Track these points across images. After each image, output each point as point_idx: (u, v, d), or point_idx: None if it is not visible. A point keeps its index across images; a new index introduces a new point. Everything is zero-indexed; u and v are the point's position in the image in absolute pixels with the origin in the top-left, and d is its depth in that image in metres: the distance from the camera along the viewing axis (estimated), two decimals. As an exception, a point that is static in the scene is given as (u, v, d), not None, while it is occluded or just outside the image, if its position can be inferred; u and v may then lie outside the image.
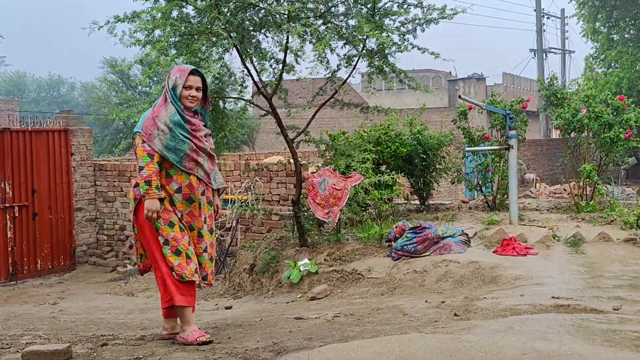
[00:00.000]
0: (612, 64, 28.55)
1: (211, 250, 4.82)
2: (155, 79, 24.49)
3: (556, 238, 7.48)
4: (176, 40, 7.20)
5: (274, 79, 8.02)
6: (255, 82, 8.00)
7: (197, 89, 4.67)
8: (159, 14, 6.92)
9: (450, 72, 35.34)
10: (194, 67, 4.78)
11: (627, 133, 9.97)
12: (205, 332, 4.54)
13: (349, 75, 8.23)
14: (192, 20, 7.25)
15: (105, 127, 27.43)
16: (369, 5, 7.60)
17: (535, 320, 4.13)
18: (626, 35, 27.98)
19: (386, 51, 7.81)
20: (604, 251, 6.79)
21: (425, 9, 7.79)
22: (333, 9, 7.66)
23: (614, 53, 27.84)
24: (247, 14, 7.35)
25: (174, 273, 4.50)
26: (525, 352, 3.29)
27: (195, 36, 7.10)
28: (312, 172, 8.45)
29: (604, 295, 5.06)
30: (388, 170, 9.57)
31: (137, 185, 4.57)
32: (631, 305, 4.70)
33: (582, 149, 10.81)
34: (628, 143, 10.22)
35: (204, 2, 7.06)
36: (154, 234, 4.55)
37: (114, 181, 13.11)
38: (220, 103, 8.03)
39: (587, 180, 10.10)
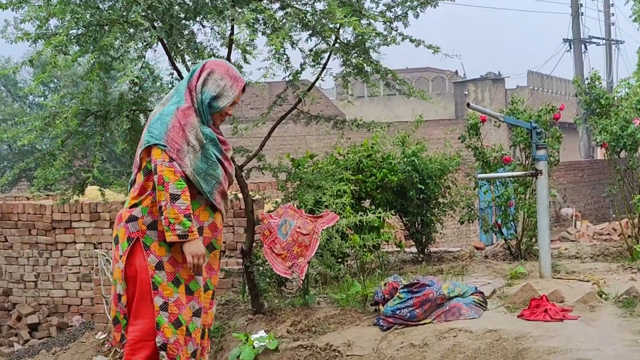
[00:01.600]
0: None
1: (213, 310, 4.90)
2: (52, 85, 24.34)
3: (604, 296, 7.54)
4: (79, 32, 7.16)
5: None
6: (189, 89, 8.03)
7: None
8: (55, -1, 6.93)
9: (456, 72, 35.78)
10: (246, 80, 4.96)
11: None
12: None
13: (318, 78, 8.24)
14: (100, 6, 7.25)
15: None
16: (343, -18, 7.68)
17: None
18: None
19: (367, 44, 7.86)
20: (670, 313, 6.84)
21: (420, -14, 7.91)
22: (294, -14, 7.73)
23: (675, 43, 28.52)
24: (177, -3, 7.38)
25: (163, 354, 4.43)
26: None
27: (106, 27, 7.09)
28: (270, 211, 8.43)
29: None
30: (373, 207, 9.60)
31: (132, 219, 4.49)
32: None
33: (636, 173, 10.98)
34: (700, 164, 10.43)
35: (115, -18, 7.10)
36: (150, 293, 4.46)
37: (-6, 228, 13.01)
38: (142, 117, 8.01)
39: (646, 215, 10.27)
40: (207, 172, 4.45)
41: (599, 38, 39.14)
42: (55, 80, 21.54)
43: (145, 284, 4.43)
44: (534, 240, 9.97)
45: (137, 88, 7.90)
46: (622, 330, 6.48)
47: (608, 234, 16.79)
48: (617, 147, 10.58)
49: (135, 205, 4.55)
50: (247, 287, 8.39)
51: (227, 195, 4.67)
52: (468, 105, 10.03)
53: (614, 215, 16.20)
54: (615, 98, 11.50)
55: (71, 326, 12.49)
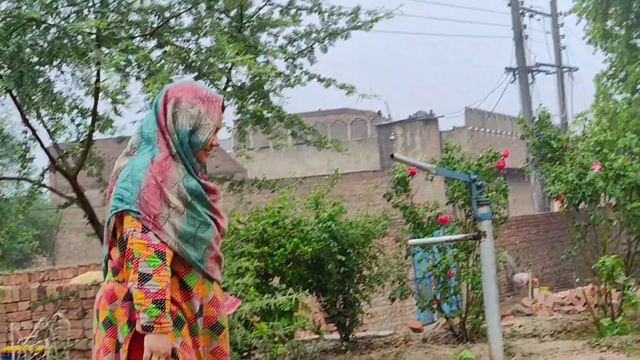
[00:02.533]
0: (639, 85, 29.95)
1: None
2: None
3: (567, 382, 7.65)
4: None
5: (77, 142, 7.95)
6: (46, 150, 7.93)
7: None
8: None
9: (379, 113, 36.17)
10: (221, 97, 4.55)
11: (669, 200, 10.42)
12: None
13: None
14: None
15: None
16: (232, 13, 7.70)
17: None
18: (656, 40, 29.58)
19: (267, 86, 7.89)
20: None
21: (326, 15, 7.97)
22: (173, 20, 7.71)
23: (639, 68, 29.26)
24: (28, 38, 7.29)
25: None
26: None
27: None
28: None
29: None
30: (284, 286, 9.60)
31: (131, 298, 4.12)
32: None
33: (599, 229, 11.18)
34: (673, 217, 10.67)
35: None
36: None
37: None
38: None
39: (611, 281, 10.41)
40: (196, 236, 4.22)
41: (548, 65, 39.84)
42: None
43: None
44: (481, 317, 9.92)
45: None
46: None
47: (571, 303, 17.00)
48: (575, 199, 10.74)
49: (122, 282, 4.29)
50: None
51: (221, 259, 4.45)
52: (392, 156, 10.05)
53: (577, 280, 16.44)
54: (570, 139, 11.69)
55: None
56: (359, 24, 7.90)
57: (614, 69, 30.86)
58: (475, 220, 9.15)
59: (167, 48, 7.59)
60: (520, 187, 33.39)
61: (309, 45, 7.92)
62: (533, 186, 35.29)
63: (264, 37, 7.81)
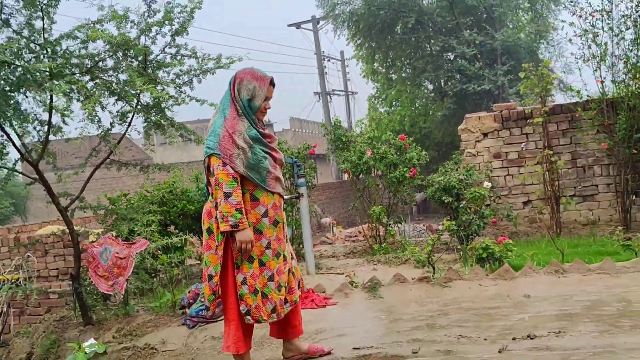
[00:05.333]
0: (394, 103, 30.65)
1: (294, 264, 4.74)
2: None
3: (354, 284, 7.71)
4: None
5: (39, 142, 7.64)
6: (17, 148, 7.57)
7: (270, 99, 4.57)
8: None
9: (236, 120, 36.00)
10: (272, 76, 4.58)
11: (411, 172, 10.70)
12: None
13: (124, 134, 8.02)
14: None
15: None
16: (140, 58, 7.52)
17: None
18: (403, 74, 30.20)
19: (163, 105, 7.73)
20: (401, 293, 7.07)
21: (200, 59, 7.86)
22: (100, 63, 7.46)
23: (393, 92, 29.94)
24: (2, 74, 6.93)
25: (248, 317, 4.40)
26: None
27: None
28: (92, 242, 8.11)
29: (403, 339, 5.31)
30: (177, 231, 9.45)
31: (209, 215, 4.37)
32: (429, 346, 4.99)
33: (371, 190, 11.42)
34: (413, 181, 10.95)
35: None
36: (233, 272, 4.41)
37: None
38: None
39: (378, 221, 10.65)
40: (257, 165, 4.31)
41: (340, 90, 40.61)
42: None
43: (231, 265, 4.43)
44: (301, 246, 9.93)
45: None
46: (369, 310, 6.66)
47: (355, 236, 17.32)
48: (357, 172, 10.97)
49: (215, 204, 4.40)
50: (77, 305, 8.01)
51: (280, 179, 4.51)
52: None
53: (359, 221, 16.80)
54: (353, 136, 11.90)
55: None
56: (220, 64, 7.81)
57: (378, 92, 31.47)
58: (297, 187, 9.23)
59: (97, 80, 7.33)
60: (324, 166, 33.83)
61: (189, 78, 7.77)
62: (331, 165, 35.79)
63: (160, 73, 7.62)
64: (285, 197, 4.75)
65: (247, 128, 4.40)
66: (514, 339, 4.88)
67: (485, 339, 4.98)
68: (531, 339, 4.82)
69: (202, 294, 4.62)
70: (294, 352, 4.94)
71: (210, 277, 4.49)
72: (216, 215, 4.36)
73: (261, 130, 4.51)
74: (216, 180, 4.29)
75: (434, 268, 7.78)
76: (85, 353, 7.03)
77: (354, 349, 5.13)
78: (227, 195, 4.22)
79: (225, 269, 4.47)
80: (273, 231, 4.48)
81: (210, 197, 4.53)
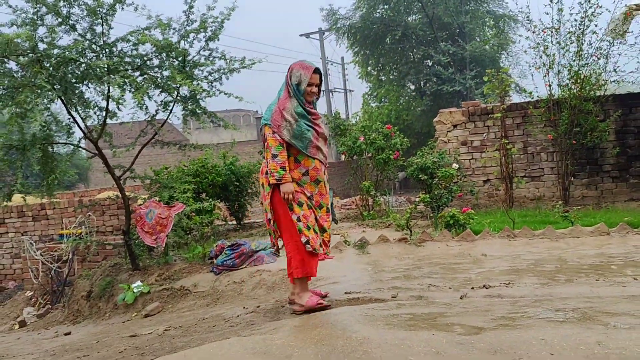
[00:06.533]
0: (383, 100, 30.45)
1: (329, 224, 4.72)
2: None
3: (347, 243, 7.70)
4: (0, 93, 6.59)
5: (98, 124, 7.64)
6: (81, 128, 7.56)
7: (317, 86, 4.47)
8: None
9: (256, 111, 35.70)
10: (316, 66, 4.49)
11: (395, 154, 10.68)
12: (322, 300, 4.54)
13: (166, 119, 8.03)
14: (15, 75, 6.69)
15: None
16: (180, 59, 7.49)
17: (333, 314, 4.25)
18: (391, 77, 29.94)
19: (197, 97, 7.71)
20: (384, 250, 7.09)
21: (228, 61, 7.82)
22: (148, 62, 7.43)
23: (383, 91, 29.71)
24: (69, 68, 6.92)
25: (307, 245, 4.37)
26: (321, 341, 3.39)
27: (19, 89, 6.55)
28: (140, 205, 8.13)
29: (385, 287, 5.31)
30: (207, 198, 9.46)
31: (267, 172, 4.34)
32: (405, 292, 5.00)
33: (362, 168, 11.41)
34: (397, 162, 10.94)
35: (26, 59, 6.55)
36: (288, 213, 4.37)
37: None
38: (50, 148, 7.47)
39: (368, 193, 10.65)
40: (301, 135, 4.30)
41: (340, 89, 40.30)
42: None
43: (285, 209, 4.38)
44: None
45: (45, 129, 7.32)
46: (358, 263, 6.67)
47: (350, 205, 17.27)
48: (352, 154, 10.94)
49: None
50: (127, 254, 8.06)
51: (321, 148, 4.45)
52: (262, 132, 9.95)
53: (352, 193, 16.83)
54: (350, 125, 11.86)
55: (7, 289, 11.56)
56: (244, 65, 7.77)
57: (371, 91, 31.26)
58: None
59: (145, 76, 7.30)
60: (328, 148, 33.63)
61: (219, 75, 7.73)
62: (332, 148, 35.65)
63: (196, 71, 7.58)
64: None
65: (295, 106, 4.39)
66: (472, 288, 4.88)
67: (449, 288, 5.00)
68: (486, 288, 4.83)
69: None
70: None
71: (270, 221, 4.55)
72: (265, 172, 4.44)
73: (308, 108, 4.46)
74: (267, 145, 4.33)
75: (411, 231, 7.79)
76: (134, 292, 7.10)
77: (345, 293, 5.15)
78: (274, 156, 4.26)
79: (277, 213, 4.47)
80: (315, 187, 4.47)
81: (264, 159, 4.57)
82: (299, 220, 4.38)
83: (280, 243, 4.74)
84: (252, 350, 3.39)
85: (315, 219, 4.51)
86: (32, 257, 10.33)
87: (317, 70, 4.50)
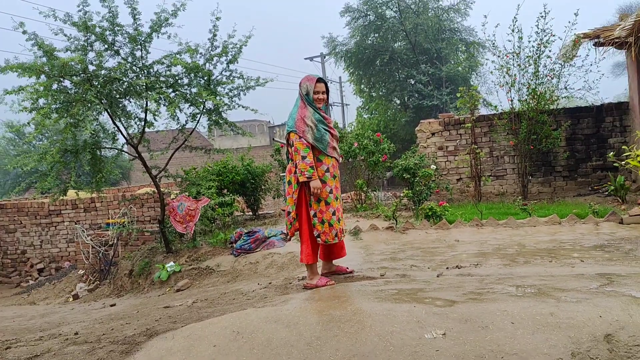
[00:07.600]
0: (373, 112, 30.39)
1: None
2: (47, 134, 21.92)
3: (344, 231, 7.69)
4: (57, 106, 6.58)
5: (138, 132, 7.63)
6: (124, 136, 7.57)
7: (322, 92, 4.35)
8: (42, 88, 6.32)
9: (269, 121, 35.66)
10: (319, 76, 4.41)
11: (383, 157, 10.65)
12: (329, 280, 4.49)
13: (194, 128, 8.02)
14: (69, 91, 6.69)
15: (6, 174, 24.54)
16: (205, 78, 7.49)
17: (332, 289, 4.24)
18: (380, 93, 29.91)
19: (220, 109, 7.71)
20: (374, 236, 7.08)
21: (245, 79, 7.82)
22: (179, 81, 7.44)
23: (373, 105, 29.62)
24: (114, 86, 6.92)
25: (319, 239, 4.29)
26: (322, 311, 3.38)
27: (73, 103, 6.55)
28: (172, 198, 8.13)
29: (374, 267, 5.29)
30: (228, 193, 9.45)
31: (297, 172, 4.23)
32: (391, 271, 4.99)
33: (356, 169, 11.38)
34: (385, 164, 10.90)
35: (78, 78, 6.55)
36: (308, 209, 4.30)
37: (14, 216, 11.76)
38: (98, 152, 7.47)
39: (361, 190, 10.63)
40: (321, 138, 4.22)
41: (338, 103, 40.22)
42: (46, 132, 19.58)
43: (306, 205, 4.32)
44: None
45: (94, 136, 7.33)
46: (353, 247, 6.51)
47: (346, 199, 17.20)
48: (348, 157, 10.88)
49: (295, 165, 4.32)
50: (162, 240, 8.05)
51: (336, 148, 4.37)
52: (273, 139, 9.96)
53: (348, 189, 16.79)
54: (346, 132, 11.80)
55: (63, 268, 11.57)
56: (259, 83, 7.75)
57: (363, 104, 31.19)
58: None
59: (177, 92, 7.29)
60: (326, 152, 33.45)
61: (238, 92, 7.73)
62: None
63: (219, 88, 7.58)
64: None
65: (312, 113, 4.30)
66: (447, 268, 4.87)
67: (428, 268, 4.98)
68: (459, 268, 4.82)
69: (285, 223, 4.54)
70: (329, 269, 4.83)
71: (289, 213, 4.45)
72: (294, 171, 4.32)
73: (322, 114, 4.38)
74: (295, 148, 4.23)
75: (396, 221, 7.78)
76: (167, 271, 7.10)
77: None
78: (303, 157, 4.16)
79: (300, 208, 4.39)
80: (333, 182, 4.38)
81: (289, 161, 4.44)
82: (314, 215, 4.30)
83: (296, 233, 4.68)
84: (265, 318, 3.39)
85: (334, 212, 4.39)
86: (83, 242, 10.35)
87: (320, 80, 4.41)
